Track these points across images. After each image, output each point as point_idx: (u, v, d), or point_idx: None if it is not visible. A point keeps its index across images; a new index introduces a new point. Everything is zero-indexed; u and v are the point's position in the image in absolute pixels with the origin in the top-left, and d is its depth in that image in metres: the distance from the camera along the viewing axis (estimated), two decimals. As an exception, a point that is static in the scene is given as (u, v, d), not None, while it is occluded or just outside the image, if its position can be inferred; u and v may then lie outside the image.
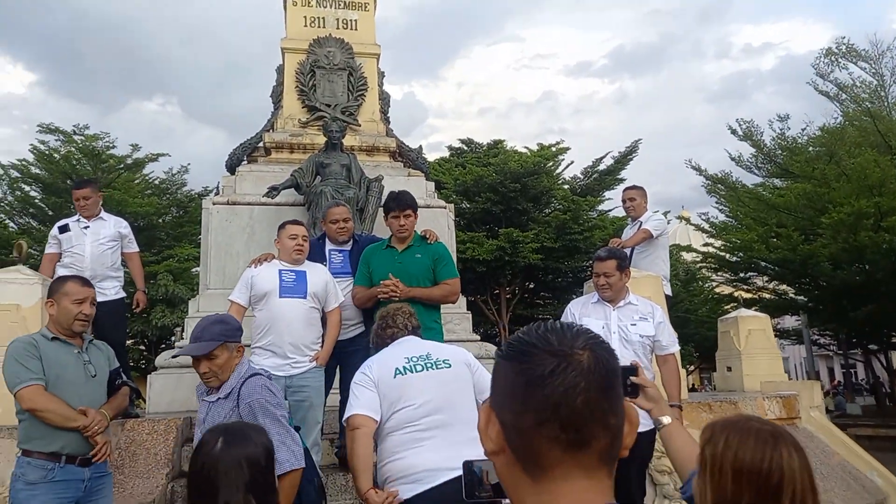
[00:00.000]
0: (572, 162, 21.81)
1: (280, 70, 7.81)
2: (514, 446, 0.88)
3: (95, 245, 5.33)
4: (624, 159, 20.96)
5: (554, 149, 20.10)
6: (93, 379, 3.06)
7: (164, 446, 4.03)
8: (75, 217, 5.56)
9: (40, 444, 2.87)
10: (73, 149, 16.98)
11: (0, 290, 4.00)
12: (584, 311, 4.00)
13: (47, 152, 16.63)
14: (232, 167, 7.45)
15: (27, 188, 16.77)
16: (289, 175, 6.60)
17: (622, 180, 21.27)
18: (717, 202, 18.20)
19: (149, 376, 5.91)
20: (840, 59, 14.08)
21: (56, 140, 16.93)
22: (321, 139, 7.18)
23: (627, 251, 5.61)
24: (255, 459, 1.83)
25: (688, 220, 18.07)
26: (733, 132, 14.98)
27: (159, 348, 18.75)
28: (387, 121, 7.92)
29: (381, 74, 7.95)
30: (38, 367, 2.90)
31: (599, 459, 0.87)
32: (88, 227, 5.39)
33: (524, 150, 20.33)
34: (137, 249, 5.79)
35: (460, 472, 2.49)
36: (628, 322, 3.85)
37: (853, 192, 11.70)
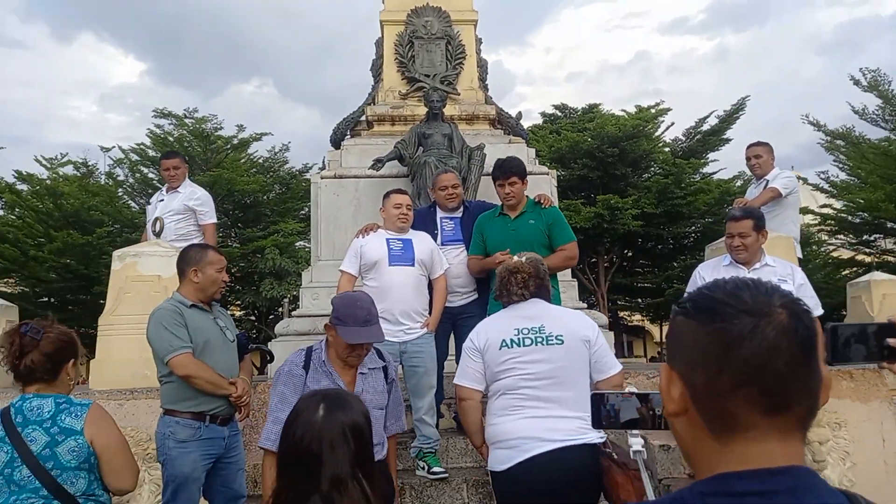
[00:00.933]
0: (672, 123, 20.71)
1: (379, 43, 7.89)
2: (702, 408, 0.84)
3: (161, 217, 5.51)
4: (730, 118, 19.80)
5: (653, 110, 19.31)
6: (231, 343, 3.24)
7: (292, 407, 4.23)
8: (165, 187, 5.82)
9: (188, 405, 3.06)
10: (184, 132, 17.93)
11: (143, 262, 4.31)
12: (715, 274, 3.83)
13: (162, 136, 17.66)
14: (336, 142, 7.64)
15: (145, 170, 17.89)
16: (392, 147, 6.70)
17: (728, 140, 20.18)
18: (835, 160, 16.95)
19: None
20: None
21: (169, 124, 17.95)
22: (422, 110, 7.22)
23: None
24: (360, 428, 1.65)
25: (805, 180, 16.92)
26: (856, 83, 13.81)
27: (268, 319, 19.75)
28: (485, 88, 7.85)
29: (479, 41, 7.86)
30: (186, 334, 3.07)
31: (797, 424, 0.83)
32: (163, 200, 5.64)
33: (621, 114, 19.66)
34: (213, 221, 5.85)
35: (556, 445, 2.51)
36: None
37: None
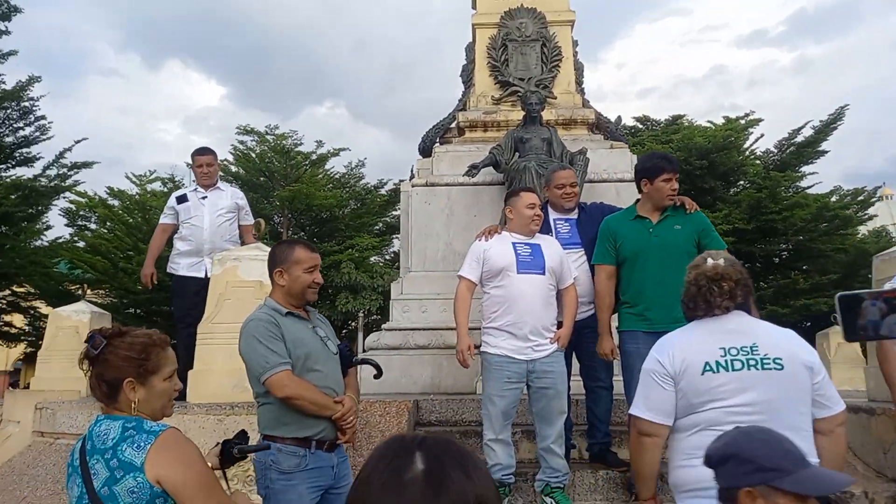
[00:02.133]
0: (762, 135, 19.65)
1: (470, 48, 7.62)
2: None
3: (214, 216, 5.19)
4: (826, 129, 18.66)
5: (743, 121, 18.35)
6: (334, 356, 2.81)
7: (398, 429, 3.90)
8: (192, 187, 5.47)
9: (291, 429, 2.61)
10: (265, 147, 18.25)
11: (244, 267, 4.09)
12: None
13: (244, 151, 18.01)
14: (425, 150, 7.39)
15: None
16: (487, 153, 6.38)
17: (824, 153, 19.00)
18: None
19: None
20: None
21: (252, 140, 18.30)
22: (515, 115, 6.88)
23: None
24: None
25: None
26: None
27: (342, 332, 19.72)
28: (581, 92, 7.44)
29: (575, 43, 7.47)
30: (283, 348, 2.61)
31: None
32: (206, 197, 5.26)
33: (707, 125, 18.78)
34: (253, 221, 5.54)
35: None
36: None
37: None
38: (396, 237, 22.02)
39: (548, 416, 3.59)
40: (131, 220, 16.30)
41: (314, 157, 18.93)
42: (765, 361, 2.13)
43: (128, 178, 18.45)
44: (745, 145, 18.51)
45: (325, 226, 18.63)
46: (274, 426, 2.64)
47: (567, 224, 4.17)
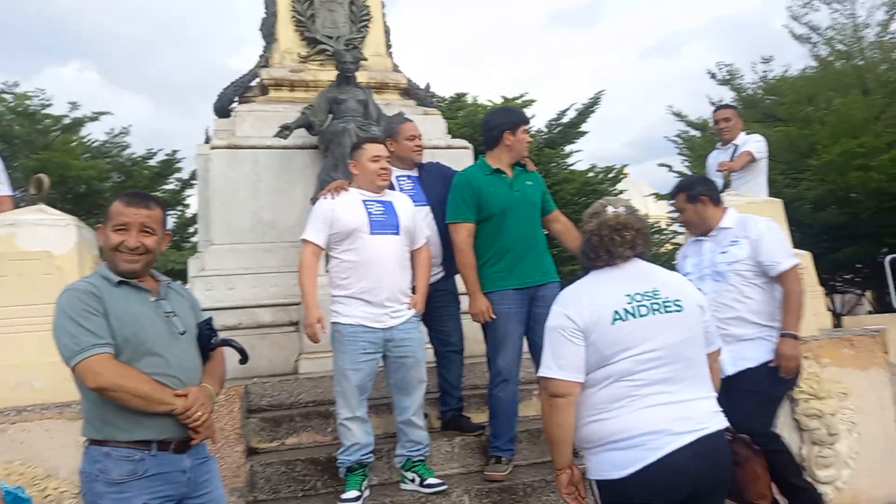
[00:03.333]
0: (534, 115, 21.18)
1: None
2: None
3: None
4: (587, 111, 20.67)
5: (520, 101, 19.55)
6: (181, 337, 2.25)
7: (230, 420, 3.36)
8: None
9: (122, 430, 2.10)
10: (3, 108, 15.35)
11: (26, 234, 3.12)
12: (685, 253, 3.65)
13: (-27, 111, 14.98)
14: (222, 109, 6.64)
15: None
16: (296, 114, 5.88)
17: (584, 133, 21.06)
18: (679, 152, 18.21)
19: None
20: (813, 1, 13.97)
21: (-19, 98, 15.25)
22: (325, 75, 6.45)
23: (719, 178, 5.18)
24: None
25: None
26: (712, 76, 14.78)
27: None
28: (391, 55, 7.20)
29: (383, 4, 7.18)
30: (103, 326, 2.09)
31: None
32: None
33: (488, 104, 19.71)
34: (9, 193, 4.73)
35: (692, 437, 1.96)
36: (718, 251, 3.41)
37: (836, 134, 11.68)
38: (169, 214, 20.05)
39: (407, 386, 3.35)
40: None
41: (67, 120, 16.36)
42: (667, 305, 2.13)
43: None
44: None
45: (84, 201, 16.18)
46: (99, 427, 2.12)
47: (411, 181, 3.92)
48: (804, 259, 6.47)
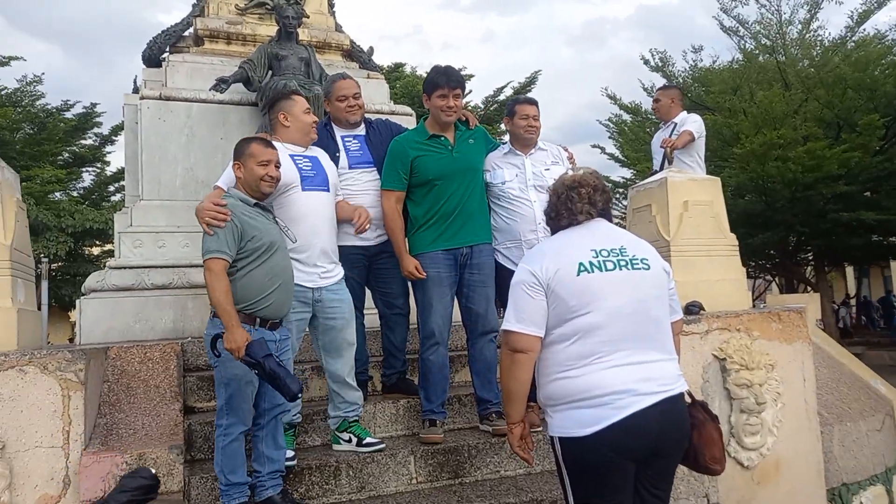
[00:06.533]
0: (470, 91, 21.19)
1: (206, -57, 6.57)
2: None
3: None
4: (523, 90, 20.86)
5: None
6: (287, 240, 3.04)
7: (166, 376, 3.20)
8: None
9: (241, 307, 2.79)
10: None
11: None
12: (496, 164, 3.73)
13: None
14: (151, 58, 6.27)
15: None
16: (233, 68, 5.62)
17: (519, 112, 21.30)
18: (610, 136, 18.71)
19: (78, 301, 4.88)
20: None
21: None
22: (264, 30, 6.20)
23: (658, 156, 5.30)
24: None
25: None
26: (646, 62, 15.12)
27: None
28: (333, 15, 6.97)
29: (327, -39, 6.93)
30: (231, 240, 2.81)
31: None
32: None
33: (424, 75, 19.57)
34: None
35: (656, 398, 2.01)
36: (542, 168, 3.66)
37: (757, 125, 12.23)
38: (86, 170, 18.97)
39: (337, 347, 3.29)
40: None
41: (-30, 64, 15.13)
42: (634, 262, 2.15)
43: None
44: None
45: (-10, 151, 15.13)
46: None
47: (356, 141, 3.80)
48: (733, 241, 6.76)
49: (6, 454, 2.63)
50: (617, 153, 18.21)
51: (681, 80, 14.79)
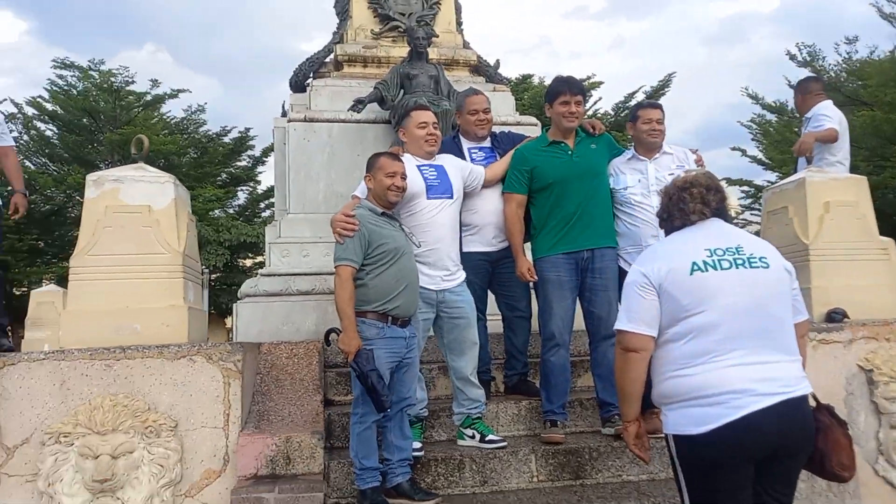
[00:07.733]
0: (600, 98, 20.93)
1: (345, -24, 7.11)
2: None
3: None
4: (656, 94, 20.27)
5: (586, 83, 19.30)
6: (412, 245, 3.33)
7: (309, 371, 3.56)
8: None
9: (372, 306, 3.08)
10: (89, 84, 16.17)
11: (128, 189, 3.40)
12: (619, 169, 3.78)
13: (65, 88, 15.83)
14: (298, 84, 6.87)
15: (43, 127, 16.02)
16: (368, 89, 6.03)
17: (653, 117, 20.67)
18: (753, 137, 17.66)
19: (234, 305, 5.45)
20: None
21: (72, 76, 16.11)
22: (396, 52, 6.57)
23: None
24: None
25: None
26: (792, 57, 14.23)
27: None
28: (461, 32, 7.26)
29: (454, -18, 7.24)
30: (359, 248, 3.09)
31: None
32: None
33: (555, 86, 19.53)
34: (12, 144, 4.63)
35: (775, 399, 1.96)
36: (665, 172, 3.60)
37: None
38: (241, 189, 20.76)
39: (461, 346, 3.48)
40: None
41: (148, 97, 17.12)
42: (751, 260, 2.14)
43: None
44: (587, 107, 19.59)
45: (163, 175, 17.00)
46: (360, 304, 3.09)
47: (482, 153, 4.01)
48: (889, 246, 6.21)
49: (178, 432, 3.06)
50: (760, 156, 17.19)
51: (833, 75, 13.74)
